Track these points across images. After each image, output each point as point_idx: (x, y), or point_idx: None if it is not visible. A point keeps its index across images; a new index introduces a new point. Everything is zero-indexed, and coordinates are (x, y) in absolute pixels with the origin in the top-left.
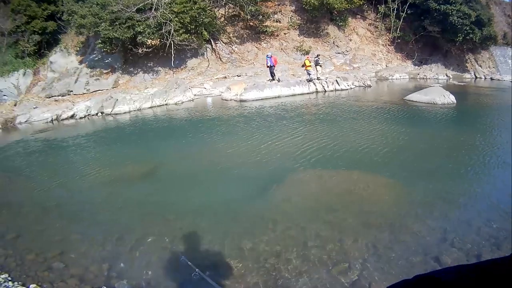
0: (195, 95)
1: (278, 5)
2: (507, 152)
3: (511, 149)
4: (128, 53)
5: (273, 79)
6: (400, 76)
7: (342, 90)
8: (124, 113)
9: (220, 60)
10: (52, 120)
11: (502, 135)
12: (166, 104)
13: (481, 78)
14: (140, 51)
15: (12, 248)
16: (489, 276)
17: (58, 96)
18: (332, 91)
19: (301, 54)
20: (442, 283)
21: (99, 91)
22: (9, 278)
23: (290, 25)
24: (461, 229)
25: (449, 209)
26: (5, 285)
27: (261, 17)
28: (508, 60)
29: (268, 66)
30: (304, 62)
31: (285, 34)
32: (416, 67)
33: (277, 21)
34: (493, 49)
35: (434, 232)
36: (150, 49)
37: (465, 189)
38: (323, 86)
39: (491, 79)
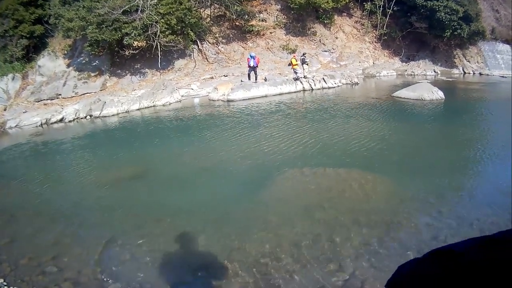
0: (182, 96)
1: (264, 4)
2: (498, 146)
3: (511, 143)
4: (115, 55)
5: (256, 80)
6: (387, 73)
7: (329, 88)
8: (113, 115)
9: (207, 60)
10: (41, 124)
11: (492, 129)
12: (153, 106)
13: (469, 73)
14: (127, 53)
15: (6, 253)
16: (501, 245)
17: (47, 99)
18: (319, 89)
19: (287, 53)
20: (455, 254)
21: (87, 94)
22: (4, 283)
23: (276, 24)
24: (454, 224)
25: (441, 205)
26: None
27: (246, 16)
28: (496, 55)
29: (250, 66)
30: (291, 61)
31: (271, 33)
32: (404, 63)
33: (262, 20)
34: (481, 44)
35: (427, 228)
36: (137, 51)
37: (456, 184)
38: (310, 85)
39: (480, 74)
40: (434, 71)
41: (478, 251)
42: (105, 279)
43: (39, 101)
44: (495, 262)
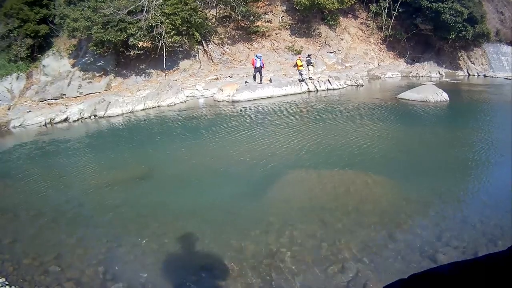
0: (187, 96)
1: (269, 5)
2: (502, 149)
3: (511, 146)
4: (120, 55)
5: (261, 82)
6: (392, 75)
7: (334, 89)
8: (117, 115)
9: (212, 61)
10: (45, 123)
11: (496, 131)
12: (158, 106)
13: (474, 75)
14: (132, 53)
15: (8, 252)
16: (487, 270)
17: (51, 99)
18: (324, 90)
19: (292, 54)
20: (440, 277)
21: (92, 94)
22: (6, 283)
23: (281, 25)
24: (456, 227)
25: (444, 207)
26: None
27: (252, 17)
28: (501, 57)
29: (255, 67)
30: (296, 62)
31: (276, 34)
32: (409, 65)
33: (268, 21)
34: (486, 46)
35: (430, 230)
36: (142, 51)
37: (460, 186)
38: (315, 86)
39: (484, 76)
40: (439, 73)
41: (464, 276)
42: (107, 279)
43: (43, 101)
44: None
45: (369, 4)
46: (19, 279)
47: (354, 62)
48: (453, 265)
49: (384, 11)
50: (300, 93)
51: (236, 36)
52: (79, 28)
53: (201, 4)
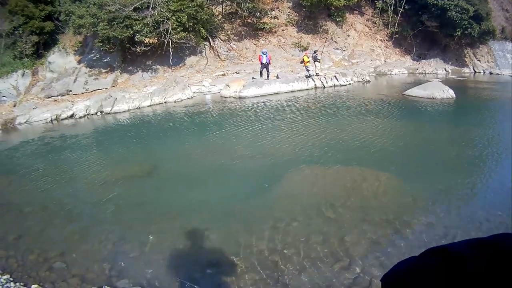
0: (194, 92)
1: (275, 1)
2: (508, 146)
3: None
4: (126, 52)
5: (268, 77)
6: (399, 71)
7: (341, 86)
8: (124, 112)
9: (219, 57)
10: (51, 120)
11: (501, 129)
12: (165, 102)
13: (480, 72)
14: (138, 49)
15: (13, 249)
16: (496, 248)
17: (57, 96)
18: (331, 87)
19: (299, 50)
20: (449, 252)
21: (98, 91)
22: (11, 279)
23: (288, 21)
24: (462, 224)
25: (450, 204)
26: (7, 286)
27: (258, 14)
28: (507, 55)
29: (262, 63)
30: (303, 58)
31: (283, 30)
32: (415, 62)
33: (274, 18)
34: (492, 44)
35: (435, 227)
36: (148, 48)
37: (466, 184)
38: (322, 82)
39: (490, 73)
40: (445, 70)
41: (473, 251)
42: (113, 275)
43: (49, 97)
44: (489, 264)
45: (376, 1)
46: (24, 276)
47: (361, 59)
48: (463, 242)
49: (390, 8)
50: (307, 89)
51: (243, 33)
52: (84, 24)
53: (207, 0)
